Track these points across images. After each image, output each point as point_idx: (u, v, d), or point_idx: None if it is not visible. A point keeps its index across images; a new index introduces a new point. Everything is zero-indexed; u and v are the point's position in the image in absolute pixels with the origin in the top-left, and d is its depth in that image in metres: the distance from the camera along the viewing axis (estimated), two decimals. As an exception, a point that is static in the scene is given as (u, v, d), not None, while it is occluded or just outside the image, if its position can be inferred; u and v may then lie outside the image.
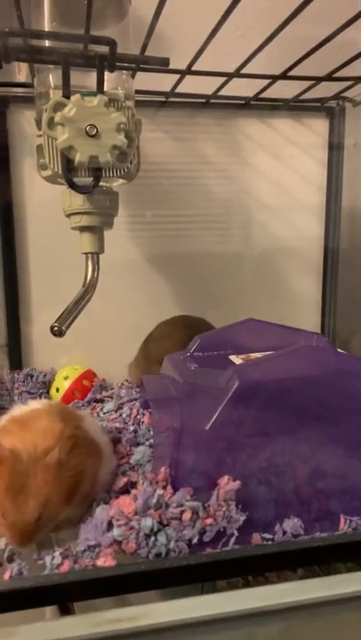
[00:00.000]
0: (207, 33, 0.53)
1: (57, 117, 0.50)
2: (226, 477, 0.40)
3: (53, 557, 0.38)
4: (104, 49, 0.50)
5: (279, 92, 0.71)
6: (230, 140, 0.76)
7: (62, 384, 0.68)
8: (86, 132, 0.51)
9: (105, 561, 0.38)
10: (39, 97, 0.56)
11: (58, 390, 0.68)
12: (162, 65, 0.52)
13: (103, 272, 0.58)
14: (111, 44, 0.48)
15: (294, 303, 0.81)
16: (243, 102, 0.73)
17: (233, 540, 0.39)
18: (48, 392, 0.69)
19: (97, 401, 0.65)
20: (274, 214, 0.79)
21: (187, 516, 0.39)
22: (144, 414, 0.55)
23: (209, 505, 0.40)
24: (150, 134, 0.63)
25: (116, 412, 0.58)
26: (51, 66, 0.54)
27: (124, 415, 0.56)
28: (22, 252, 0.74)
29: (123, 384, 0.72)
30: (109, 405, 0.59)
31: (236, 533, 0.39)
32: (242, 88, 0.71)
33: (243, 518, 0.40)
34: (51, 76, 0.55)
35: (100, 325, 0.73)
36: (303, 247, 0.81)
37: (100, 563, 0.38)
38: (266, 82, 0.66)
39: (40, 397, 0.67)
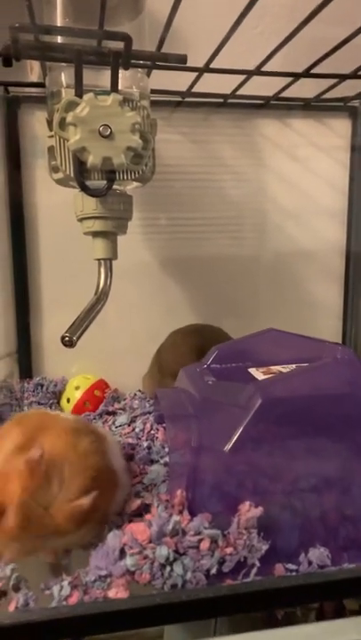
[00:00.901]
0: (223, 30, 0.50)
1: (69, 117, 0.48)
2: (247, 503, 0.37)
3: (62, 587, 0.36)
4: (118, 46, 0.47)
5: (298, 91, 0.68)
6: (248, 141, 0.74)
7: (73, 394, 0.66)
8: (99, 132, 0.48)
9: (117, 592, 0.35)
10: (51, 96, 0.54)
11: (69, 401, 0.66)
12: (179, 62, 0.50)
13: (115, 277, 0.55)
14: (126, 39, 0.46)
15: (314, 311, 0.78)
16: (262, 102, 0.70)
17: (254, 570, 0.37)
18: (58, 402, 0.67)
19: (109, 413, 0.63)
20: (293, 218, 0.76)
21: (205, 544, 0.36)
22: (158, 429, 0.52)
23: (229, 533, 0.37)
24: (164, 135, 0.61)
25: (128, 425, 0.56)
26: (63, 64, 0.52)
27: (137, 430, 0.53)
28: (33, 256, 0.72)
29: (135, 394, 0.69)
30: (122, 419, 0.57)
31: (257, 564, 0.37)
32: (260, 88, 0.68)
33: (265, 547, 0.37)
34: (63, 74, 0.53)
35: (111, 332, 0.71)
36: (323, 252, 0.77)
37: (111, 594, 0.35)
38: (285, 81, 0.63)
39: (50, 408, 0.65)
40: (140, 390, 0.70)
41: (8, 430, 0.40)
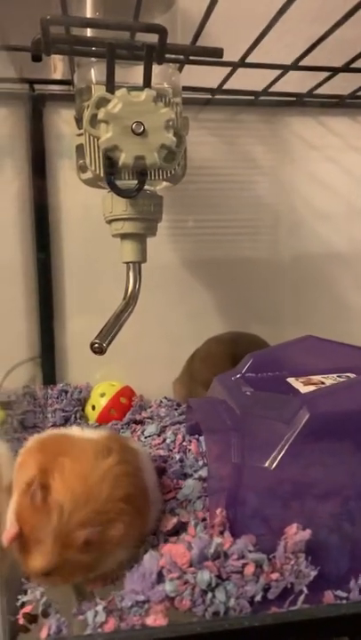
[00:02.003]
0: (256, 24, 0.48)
1: (100, 114, 0.46)
2: (295, 525, 0.35)
3: (96, 613, 0.33)
4: (151, 39, 0.45)
5: (332, 88, 0.65)
6: (279, 140, 0.71)
7: (99, 401, 0.64)
8: (132, 129, 0.46)
9: (155, 620, 0.33)
10: (79, 94, 0.52)
11: (94, 408, 0.64)
12: (215, 56, 0.48)
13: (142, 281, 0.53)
14: (162, 32, 0.44)
15: (348, 316, 0.75)
16: (294, 99, 0.67)
17: (302, 598, 0.34)
18: (83, 409, 0.65)
19: (136, 422, 0.61)
20: (326, 220, 0.73)
21: (249, 569, 0.34)
22: (190, 441, 0.50)
23: (275, 557, 0.35)
24: (192, 134, 0.59)
25: (158, 435, 0.53)
26: (93, 59, 0.50)
27: (168, 441, 0.51)
28: (57, 259, 0.70)
29: (161, 402, 0.67)
30: (151, 428, 0.55)
31: (305, 590, 0.34)
32: (292, 85, 0.65)
33: (314, 573, 0.34)
34: (93, 70, 0.51)
35: (135, 338, 0.68)
36: (359, 255, 0.74)
37: (149, 622, 0.33)
38: (321, 77, 0.61)
39: (75, 415, 0.63)
40: (165, 397, 0.67)
41: (26, 460, 0.38)
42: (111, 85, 0.47)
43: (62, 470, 0.34)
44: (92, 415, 0.64)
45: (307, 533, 0.35)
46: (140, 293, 0.53)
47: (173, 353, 0.67)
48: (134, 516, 0.36)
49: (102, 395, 0.64)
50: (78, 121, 0.52)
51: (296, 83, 0.65)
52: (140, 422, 0.60)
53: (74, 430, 0.40)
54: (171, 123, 0.47)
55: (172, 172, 0.50)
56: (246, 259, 0.73)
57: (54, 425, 0.60)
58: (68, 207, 0.69)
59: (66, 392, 0.65)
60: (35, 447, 0.39)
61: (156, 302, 0.71)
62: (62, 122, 0.66)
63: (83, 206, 0.68)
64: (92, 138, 0.48)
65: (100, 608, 0.34)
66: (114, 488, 0.35)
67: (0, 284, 0.69)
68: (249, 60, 0.56)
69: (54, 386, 0.68)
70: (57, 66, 0.68)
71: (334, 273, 0.74)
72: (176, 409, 0.63)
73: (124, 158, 0.46)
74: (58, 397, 0.65)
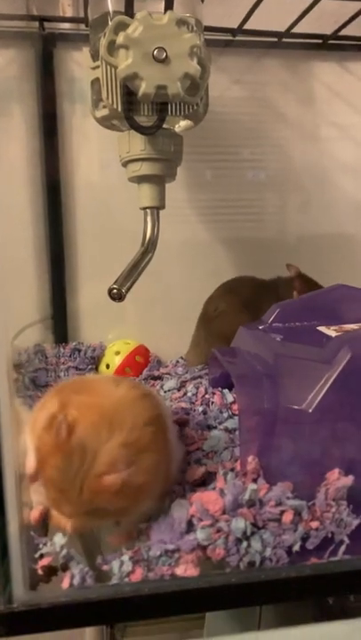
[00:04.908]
0: None
1: (119, 39, 0.42)
2: (336, 471, 0.32)
3: (122, 563, 0.31)
4: None
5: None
6: (305, 88, 0.67)
7: (113, 360, 0.61)
8: (153, 56, 0.42)
9: (186, 570, 0.31)
10: (95, 25, 0.49)
11: (108, 367, 0.61)
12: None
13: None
14: None
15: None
16: (320, 41, 0.63)
17: (343, 548, 0.32)
18: (97, 368, 0.62)
19: (155, 378, 0.58)
20: (354, 175, 0.69)
21: (288, 517, 0.31)
22: (214, 393, 0.47)
23: (315, 504, 0.32)
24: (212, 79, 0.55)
25: (178, 390, 0.51)
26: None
27: (189, 394, 0.48)
28: (69, 219, 0.66)
29: (178, 362, 0.64)
30: (170, 383, 0.52)
31: (346, 540, 0.32)
32: (317, 26, 0.61)
33: (357, 522, 0.32)
34: (109, -3, 0.47)
35: (148, 298, 0.65)
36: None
37: (179, 572, 0.31)
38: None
39: (89, 373, 0.60)
40: (182, 357, 0.65)
41: (46, 401, 0.35)
42: (131, 9, 0.43)
43: (82, 404, 0.32)
44: (107, 374, 0.61)
45: (349, 479, 0.32)
46: (156, 246, 0.50)
47: (187, 313, 0.64)
48: (162, 443, 0.33)
49: (117, 353, 0.62)
50: (93, 55, 0.48)
51: (322, 25, 0.61)
52: (159, 378, 0.58)
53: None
54: (195, 49, 0.43)
55: (195, 107, 0.47)
56: (263, 220, 0.70)
57: (67, 383, 0.58)
58: (80, 159, 0.65)
59: (79, 350, 0.63)
60: (53, 390, 0.36)
61: (169, 266, 0.67)
62: (74, 64, 0.62)
63: (96, 157, 0.65)
64: (109, 68, 0.44)
65: (125, 557, 0.31)
66: (135, 415, 0.32)
67: (11, 246, 0.66)
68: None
69: (67, 344, 0.65)
70: (66, 10, 0.64)
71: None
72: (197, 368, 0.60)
73: (144, 87, 0.43)
74: (71, 355, 0.62)
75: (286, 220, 0.71)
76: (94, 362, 0.62)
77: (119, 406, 0.32)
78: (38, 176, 0.64)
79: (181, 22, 0.43)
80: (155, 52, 0.42)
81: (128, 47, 0.42)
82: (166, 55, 0.43)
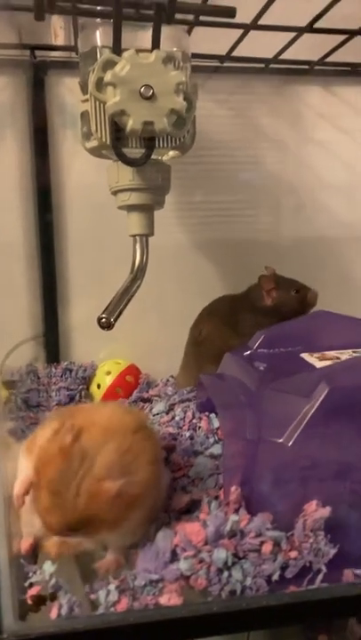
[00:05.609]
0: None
1: (107, 77, 0.44)
2: (314, 502, 0.34)
3: (108, 592, 0.32)
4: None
5: (344, 55, 0.63)
6: (290, 110, 0.69)
7: (104, 380, 0.63)
8: (140, 93, 0.44)
9: (170, 599, 0.32)
10: (84, 58, 0.50)
11: (99, 386, 0.63)
12: (228, 16, 0.45)
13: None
14: (173, -12, 0.41)
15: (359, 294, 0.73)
16: (306, 67, 0.65)
17: (320, 576, 0.33)
18: (88, 388, 0.64)
19: (144, 400, 0.59)
20: (339, 195, 0.71)
21: (267, 547, 0.33)
22: (201, 418, 0.49)
23: (293, 535, 0.33)
24: (200, 104, 0.56)
25: (167, 413, 0.52)
26: (98, 20, 0.48)
27: (177, 418, 0.50)
28: (60, 235, 0.68)
29: (168, 380, 0.65)
30: (159, 406, 0.53)
31: (324, 569, 0.33)
32: (303, 52, 0.63)
33: (333, 551, 0.33)
34: (98, 32, 0.48)
35: (139, 317, 0.66)
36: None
37: (163, 601, 0.32)
38: (331, 45, 0.58)
39: (80, 394, 0.61)
40: (172, 376, 0.66)
41: (47, 423, 0.37)
42: (118, 47, 0.44)
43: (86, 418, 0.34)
44: (98, 394, 0.62)
45: (326, 511, 0.33)
46: (145, 273, 0.51)
47: (179, 331, 0.65)
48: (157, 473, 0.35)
49: (108, 373, 0.63)
50: (83, 87, 0.49)
51: (307, 52, 0.63)
52: (148, 400, 0.59)
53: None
54: (181, 86, 0.45)
55: (182, 139, 0.48)
56: (254, 237, 0.71)
57: (59, 404, 0.59)
58: (71, 180, 0.66)
59: (70, 370, 0.64)
60: (54, 413, 0.38)
61: (160, 282, 0.69)
62: (65, 90, 0.63)
63: (87, 179, 0.66)
64: (97, 103, 0.46)
65: (112, 587, 0.33)
66: (139, 441, 0.34)
67: (2, 262, 0.67)
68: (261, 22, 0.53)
69: (58, 364, 0.66)
70: (58, 33, 0.65)
71: (346, 248, 0.72)
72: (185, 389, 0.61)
73: (131, 124, 0.44)
74: (62, 376, 0.63)
75: (271, 239, 0.72)
76: (85, 382, 0.63)
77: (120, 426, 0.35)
78: (30, 195, 0.66)
79: (168, 59, 0.45)
80: (142, 90, 0.44)
81: (116, 85, 0.44)
82: (153, 92, 0.44)
